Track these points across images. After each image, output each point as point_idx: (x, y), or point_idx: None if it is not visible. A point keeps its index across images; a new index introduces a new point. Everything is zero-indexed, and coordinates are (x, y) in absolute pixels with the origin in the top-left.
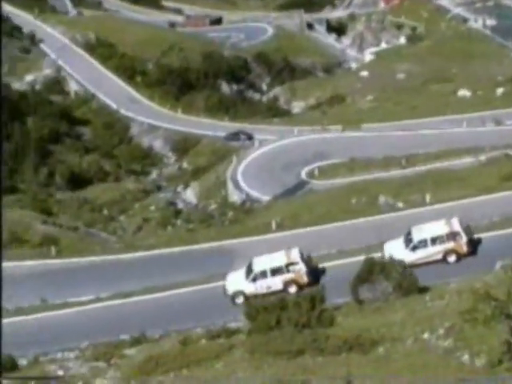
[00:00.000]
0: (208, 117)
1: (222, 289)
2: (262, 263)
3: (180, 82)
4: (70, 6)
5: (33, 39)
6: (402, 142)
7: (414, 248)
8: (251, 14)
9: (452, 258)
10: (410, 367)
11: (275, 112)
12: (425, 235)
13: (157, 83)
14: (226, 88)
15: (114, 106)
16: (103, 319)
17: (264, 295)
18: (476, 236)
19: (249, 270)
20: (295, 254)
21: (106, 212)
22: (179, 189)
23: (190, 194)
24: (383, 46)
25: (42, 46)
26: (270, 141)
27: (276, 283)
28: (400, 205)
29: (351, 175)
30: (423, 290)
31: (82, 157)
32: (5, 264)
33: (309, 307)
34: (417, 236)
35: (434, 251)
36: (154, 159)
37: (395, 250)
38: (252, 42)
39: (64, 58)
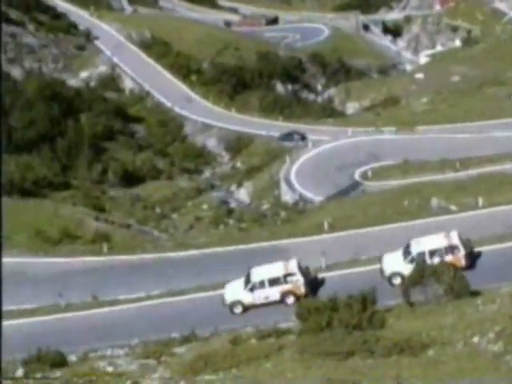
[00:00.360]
0: (262, 116)
1: (220, 298)
2: (260, 273)
3: (235, 81)
4: (125, 3)
5: (88, 36)
6: (456, 145)
7: (413, 260)
8: (307, 15)
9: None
10: (459, 371)
11: (329, 113)
12: (423, 248)
13: (211, 82)
14: (280, 88)
15: (168, 104)
16: (154, 317)
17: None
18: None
19: (247, 280)
20: (293, 265)
21: (158, 210)
22: (232, 188)
23: (243, 194)
24: (438, 48)
25: (98, 43)
26: (323, 141)
27: (274, 294)
28: (453, 208)
29: (404, 177)
30: (475, 294)
31: (135, 154)
32: (57, 260)
33: (360, 309)
34: (415, 249)
35: (432, 264)
36: (207, 158)
37: (394, 262)
38: (307, 42)
39: (119, 56)
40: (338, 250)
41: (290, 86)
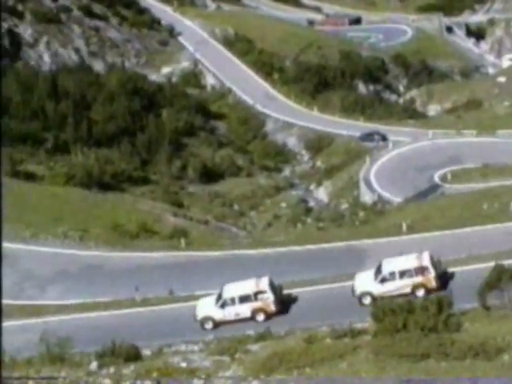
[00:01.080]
0: (343, 116)
1: (193, 314)
2: (231, 290)
3: (317, 80)
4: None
5: (171, 32)
6: None
7: (383, 280)
8: (390, 15)
9: (420, 293)
10: None
11: (411, 114)
12: (394, 268)
13: (294, 80)
14: (362, 88)
15: (250, 101)
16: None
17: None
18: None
19: (219, 297)
20: (264, 283)
21: (236, 207)
22: (311, 187)
23: (322, 193)
24: None
25: (181, 38)
26: (404, 143)
27: (244, 311)
28: None
29: (484, 181)
30: None
31: (215, 151)
32: (134, 254)
33: (436, 311)
34: (386, 269)
35: (402, 284)
36: (287, 156)
37: (365, 281)
38: (390, 43)
39: (202, 52)
40: (415, 251)
41: (371, 87)
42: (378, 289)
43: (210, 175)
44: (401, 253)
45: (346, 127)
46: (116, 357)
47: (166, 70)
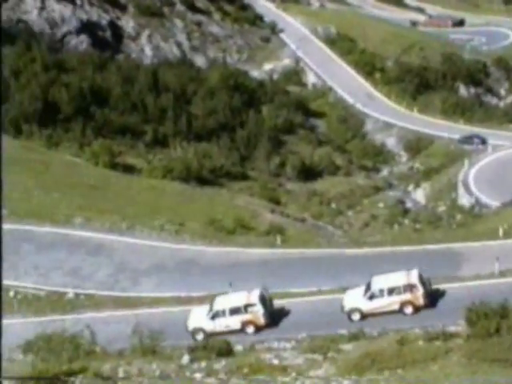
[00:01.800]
0: (443, 118)
1: (184, 324)
2: (222, 302)
3: (418, 81)
4: None
5: (274, 29)
6: None
7: (371, 297)
8: (494, 18)
9: (409, 310)
10: None
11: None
12: (382, 285)
13: (395, 81)
14: (463, 90)
15: (350, 100)
16: (323, 312)
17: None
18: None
19: (210, 308)
20: (254, 296)
21: (334, 205)
22: (409, 188)
23: (420, 195)
24: None
25: (283, 36)
26: (503, 147)
27: (234, 323)
28: None
29: None
30: None
31: (314, 149)
32: (230, 250)
33: None
34: (375, 286)
35: (390, 301)
36: (385, 157)
37: (354, 298)
38: (493, 46)
39: (303, 50)
40: None
41: (472, 89)
42: (367, 305)
43: (308, 173)
44: (497, 258)
45: (446, 129)
46: (208, 351)
47: (267, 66)
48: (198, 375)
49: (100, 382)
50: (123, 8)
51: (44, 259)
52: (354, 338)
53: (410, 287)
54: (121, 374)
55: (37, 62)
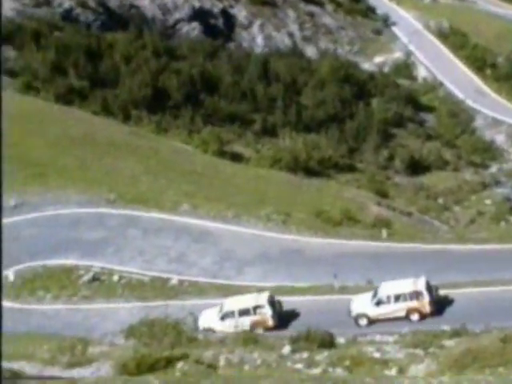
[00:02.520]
0: None
1: (194, 323)
2: (232, 304)
3: None
4: None
5: (386, 21)
6: None
7: (378, 303)
8: None
9: (415, 317)
10: None
11: None
12: (389, 292)
13: (505, 77)
14: None
15: (460, 95)
16: None
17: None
18: None
19: (220, 309)
20: (263, 298)
21: (440, 201)
22: None
23: None
24: None
25: (394, 29)
26: None
27: (244, 324)
28: None
29: None
30: None
31: (423, 143)
32: (335, 241)
33: None
34: (382, 292)
35: (396, 308)
36: (494, 153)
37: (361, 303)
38: None
39: (415, 43)
40: None
41: None
42: (374, 311)
43: (416, 167)
44: None
45: None
46: (310, 342)
47: (378, 59)
48: (298, 366)
49: (201, 369)
50: None
51: (149, 245)
52: (456, 334)
53: (416, 294)
54: (222, 361)
55: (148, 48)
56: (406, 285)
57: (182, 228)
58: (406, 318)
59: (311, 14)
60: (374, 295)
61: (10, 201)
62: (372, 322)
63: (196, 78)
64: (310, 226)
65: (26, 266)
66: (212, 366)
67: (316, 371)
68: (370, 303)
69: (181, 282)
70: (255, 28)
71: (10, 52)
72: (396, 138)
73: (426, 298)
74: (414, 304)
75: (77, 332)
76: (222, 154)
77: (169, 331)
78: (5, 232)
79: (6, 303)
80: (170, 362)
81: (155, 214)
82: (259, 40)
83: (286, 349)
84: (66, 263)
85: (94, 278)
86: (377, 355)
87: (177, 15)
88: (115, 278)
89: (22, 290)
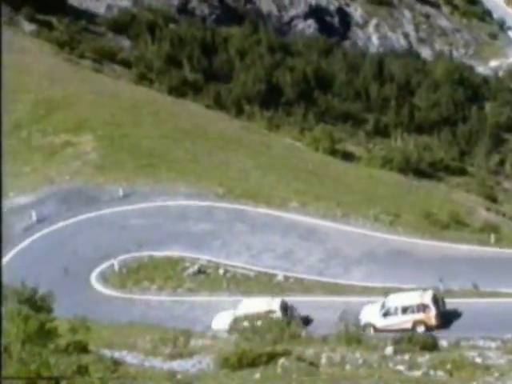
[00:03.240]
0: None
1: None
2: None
3: None
4: None
5: (502, 26)
6: None
7: (386, 314)
8: None
9: (421, 329)
10: None
11: None
12: (397, 303)
13: None
14: None
15: None
16: None
17: None
18: None
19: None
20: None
21: None
22: None
23: None
24: None
25: (511, 33)
26: None
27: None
28: None
29: None
30: None
31: None
32: (443, 244)
33: None
34: (390, 303)
35: (403, 320)
36: None
37: (370, 313)
38: None
39: None
40: None
41: None
42: (381, 322)
43: None
44: None
45: None
46: (413, 344)
47: (493, 63)
48: (400, 367)
49: (302, 366)
50: None
51: (256, 240)
52: None
53: (422, 307)
54: (324, 360)
55: (263, 44)
56: (413, 297)
57: (289, 225)
58: (412, 330)
59: (427, 16)
60: (382, 306)
61: (118, 190)
62: (378, 332)
63: (310, 76)
64: (417, 228)
65: (131, 255)
66: (313, 364)
67: (417, 373)
68: (377, 314)
69: (286, 278)
70: (371, 27)
71: (124, 42)
72: (508, 142)
73: (433, 311)
74: (420, 316)
75: (179, 324)
76: (333, 152)
77: (272, 327)
78: (113, 220)
79: (110, 292)
80: (271, 358)
81: (263, 210)
82: (374, 39)
83: (389, 350)
84: (173, 255)
85: (200, 271)
86: (478, 360)
87: (292, 12)
88: (221, 271)
89: (127, 280)
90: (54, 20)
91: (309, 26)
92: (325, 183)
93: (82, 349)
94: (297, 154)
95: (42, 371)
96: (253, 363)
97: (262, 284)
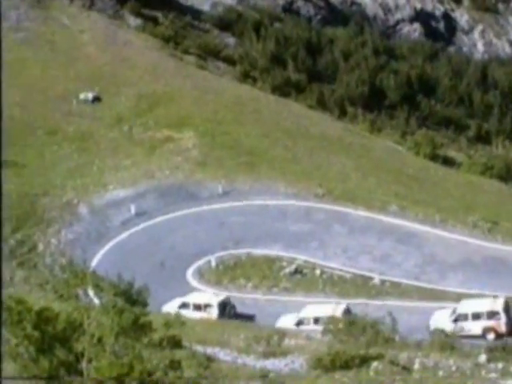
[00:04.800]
0: None
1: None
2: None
3: None
4: None
5: None
6: None
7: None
8: None
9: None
10: None
11: None
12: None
13: None
14: None
15: None
16: None
17: None
18: None
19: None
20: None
21: None
22: None
23: None
24: None
25: None
26: None
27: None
28: None
29: None
30: None
31: None
32: None
33: None
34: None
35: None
36: None
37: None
38: None
39: None
40: None
41: None
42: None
43: None
44: None
45: None
46: (506, 353)
47: None
48: (493, 375)
49: (395, 370)
50: (458, 0)
51: (354, 242)
52: None
53: (493, 314)
54: (417, 365)
55: (367, 46)
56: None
57: (387, 228)
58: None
59: None
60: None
61: (218, 187)
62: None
63: (413, 80)
64: None
65: (228, 253)
66: (406, 369)
67: (510, 382)
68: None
69: (382, 281)
70: (476, 33)
71: (229, 39)
72: None
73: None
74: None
75: (273, 323)
76: (433, 157)
77: (366, 330)
78: (211, 217)
79: (205, 288)
80: (364, 361)
81: (362, 213)
82: (479, 46)
83: (482, 357)
84: (270, 254)
85: (297, 271)
86: None
87: (398, 15)
88: (317, 272)
89: (223, 277)
90: (159, 15)
91: (414, 30)
92: (424, 188)
93: (176, 344)
94: (397, 158)
95: (135, 364)
96: (346, 365)
97: (358, 286)
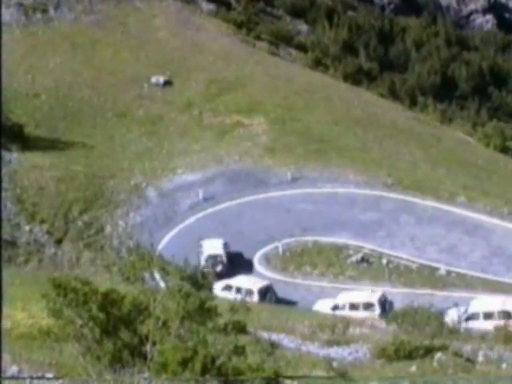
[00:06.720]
0: None
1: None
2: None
3: None
4: None
5: None
6: None
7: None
8: None
9: None
10: None
11: None
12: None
13: None
14: None
15: None
16: None
17: None
18: None
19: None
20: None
21: None
22: None
23: None
24: None
25: None
26: None
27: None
28: None
29: None
30: None
31: None
32: None
33: None
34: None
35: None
36: None
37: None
38: None
39: None
40: None
41: None
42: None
43: None
44: None
45: None
46: None
47: None
48: None
49: (459, 362)
50: None
51: (421, 232)
52: None
53: (504, 314)
54: (480, 357)
55: (440, 36)
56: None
57: (455, 219)
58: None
59: None
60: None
61: (287, 174)
62: None
63: (485, 71)
64: None
65: (295, 239)
66: (470, 361)
67: None
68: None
69: (448, 272)
70: None
71: (301, 26)
72: None
73: None
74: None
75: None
76: (503, 149)
77: (431, 321)
78: (279, 204)
79: (271, 274)
80: (428, 352)
81: (430, 203)
82: None
83: None
84: (337, 242)
85: (363, 260)
86: None
87: (471, 6)
88: (384, 261)
89: (289, 264)
90: (232, 0)
91: (487, 22)
92: (493, 180)
93: (241, 329)
94: (467, 149)
95: (199, 349)
96: (410, 355)
97: (424, 277)
